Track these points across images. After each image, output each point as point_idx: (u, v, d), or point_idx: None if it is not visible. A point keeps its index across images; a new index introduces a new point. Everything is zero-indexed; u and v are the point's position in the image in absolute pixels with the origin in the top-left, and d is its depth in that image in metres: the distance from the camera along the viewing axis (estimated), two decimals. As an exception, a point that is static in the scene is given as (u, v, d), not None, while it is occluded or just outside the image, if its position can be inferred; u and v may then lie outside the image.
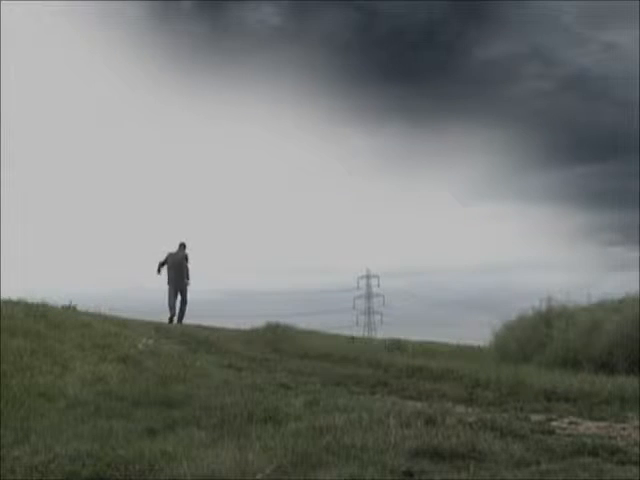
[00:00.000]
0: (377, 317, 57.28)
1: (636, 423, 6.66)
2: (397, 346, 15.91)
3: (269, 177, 73.58)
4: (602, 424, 6.69)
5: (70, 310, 13.06)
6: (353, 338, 20.11)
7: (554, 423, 6.65)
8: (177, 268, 15.25)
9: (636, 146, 40.14)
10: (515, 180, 68.17)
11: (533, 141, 55.52)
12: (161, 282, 15.60)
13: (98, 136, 65.80)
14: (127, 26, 49.30)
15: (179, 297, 15.45)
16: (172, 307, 15.32)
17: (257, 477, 4.42)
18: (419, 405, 7.36)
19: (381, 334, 33.59)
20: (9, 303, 11.02)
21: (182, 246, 15.70)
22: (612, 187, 59.69)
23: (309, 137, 73.83)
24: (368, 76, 56.15)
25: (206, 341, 12.77)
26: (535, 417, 6.88)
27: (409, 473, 4.56)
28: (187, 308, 15.30)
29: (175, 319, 15.18)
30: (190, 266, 15.64)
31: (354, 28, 51.58)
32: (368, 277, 58.60)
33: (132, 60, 52.85)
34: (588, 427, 6.55)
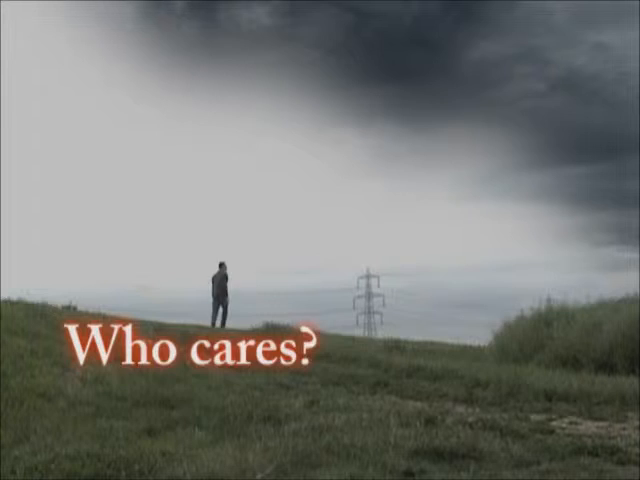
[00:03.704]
0: (377, 317, 57.20)
1: (636, 423, 6.67)
2: (397, 346, 15.89)
3: (267, 177, 73.55)
4: (602, 424, 6.70)
5: (70, 310, 13.05)
6: (353, 338, 20.09)
7: (554, 423, 6.66)
8: (219, 285, 17.76)
9: (629, 146, 40.21)
10: (511, 180, 68.28)
11: (528, 141, 55.67)
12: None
13: (96, 136, 65.82)
14: (120, 26, 49.29)
15: (220, 309, 17.89)
16: (214, 317, 17.77)
17: (257, 477, 4.42)
18: (419, 405, 7.37)
19: (381, 334, 33.58)
20: (9, 303, 11.02)
21: (221, 265, 18.06)
22: (606, 187, 59.93)
23: (306, 137, 73.82)
24: (362, 76, 56.26)
25: (206, 341, 12.74)
26: (535, 417, 6.88)
27: (409, 473, 4.56)
28: (227, 316, 17.87)
29: (217, 325, 17.50)
30: (229, 283, 18.02)
31: (347, 28, 51.63)
32: (368, 277, 58.56)
33: (125, 60, 52.80)
34: (588, 427, 6.55)
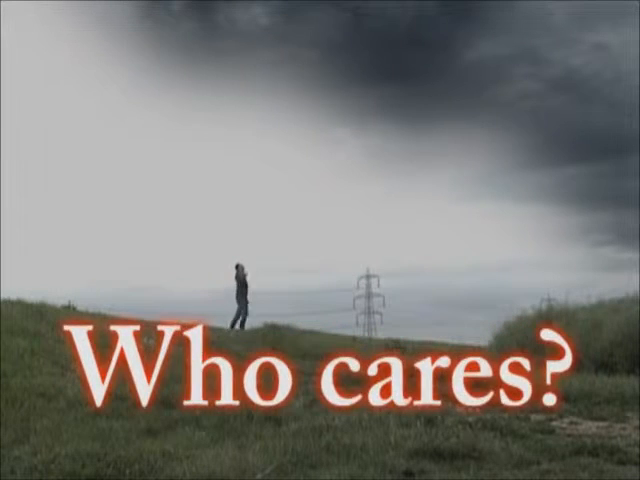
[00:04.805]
0: (377, 317, 57.16)
1: (636, 423, 6.67)
2: (397, 346, 15.88)
3: (266, 177, 73.33)
4: (602, 424, 6.70)
5: (70, 310, 13.04)
6: (355, 338, 20.11)
7: (554, 423, 6.66)
8: (239, 286, 18.53)
9: (629, 146, 40.22)
10: (511, 180, 68.25)
11: (527, 141, 55.64)
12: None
13: (95, 136, 65.69)
14: (118, 26, 49.26)
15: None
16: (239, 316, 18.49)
17: (257, 477, 4.43)
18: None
19: (381, 334, 33.60)
20: (9, 303, 11.01)
21: (236, 267, 18.62)
22: (606, 187, 59.77)
23: (305, 137, 73.71)
24: (361, 76, 56.13)
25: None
26: (535, 417, 6.88)
27: (409, 473, 4.56)
28: (245, 317, 18.42)
29: (236, 326, 17.83)
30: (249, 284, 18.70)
31: (344, 28, 51.56)
32: (368, 277, 58.38)
33: (123, 60, 52.73)
34: (588, 427, 6.56)
